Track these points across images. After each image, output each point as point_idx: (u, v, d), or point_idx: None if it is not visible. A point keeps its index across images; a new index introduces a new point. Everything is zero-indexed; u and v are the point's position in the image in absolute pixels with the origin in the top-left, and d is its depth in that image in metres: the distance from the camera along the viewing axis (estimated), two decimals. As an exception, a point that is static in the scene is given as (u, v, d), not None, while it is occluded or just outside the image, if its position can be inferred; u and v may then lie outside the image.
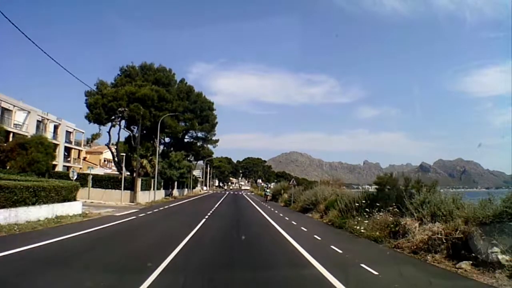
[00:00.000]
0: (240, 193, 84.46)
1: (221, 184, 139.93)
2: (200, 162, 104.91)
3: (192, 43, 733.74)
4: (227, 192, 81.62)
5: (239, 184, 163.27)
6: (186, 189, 59.58)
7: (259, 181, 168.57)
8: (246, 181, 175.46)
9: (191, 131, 54.20)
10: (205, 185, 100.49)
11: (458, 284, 7.68)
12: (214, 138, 54.86)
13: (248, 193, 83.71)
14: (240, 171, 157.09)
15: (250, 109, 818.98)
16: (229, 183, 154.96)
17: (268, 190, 51.98)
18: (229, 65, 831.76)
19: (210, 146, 57.53)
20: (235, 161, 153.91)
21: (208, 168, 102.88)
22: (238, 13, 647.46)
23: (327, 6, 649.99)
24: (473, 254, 8.48)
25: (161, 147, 52.74)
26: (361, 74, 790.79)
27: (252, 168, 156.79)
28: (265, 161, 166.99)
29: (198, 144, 55.99)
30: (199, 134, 53.76)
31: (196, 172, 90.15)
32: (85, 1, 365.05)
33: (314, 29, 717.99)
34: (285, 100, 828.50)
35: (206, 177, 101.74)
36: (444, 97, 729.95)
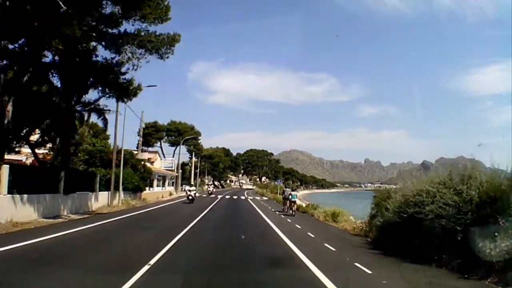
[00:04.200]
0: (243, 197, 45.34)
1: (216, 183, 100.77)
2: (185, 154, 65.83)
3: (192, 43, 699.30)
4: (219, 197, 42.37)
5: (239, 183, 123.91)
6: (93, 195, 21.05)
7: (264, 178, 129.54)
8: (248, 179, 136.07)
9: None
10: (190, 184, 61.54)
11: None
12: (164, 34, 16.15)
13: (257, 198, 44.77)
14: (241, 166, 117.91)
15: (250, 108, 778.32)
16: (227, 181, 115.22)
17: (294, 194, 24.09)
18: (230, 64, 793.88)
19: (153, 56, 17.26)
20: (234, 154, 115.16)
21: (194, 158, 63.96)
22: (239, 13, 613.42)
23: (327, 5, 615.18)
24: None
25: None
26: (361, 72, 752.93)
27: (256, 162, 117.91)
28: (272, 154, 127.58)
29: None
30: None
31: (167, 162, 51.37)
32: None
33: (314, 28, 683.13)
34: (285, 98, 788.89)
35: (190, 172, 62.96)
36: (444, 95, 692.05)
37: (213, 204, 28.14)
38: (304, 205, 29.16)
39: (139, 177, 26.91)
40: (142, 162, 28.29)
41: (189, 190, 29.70)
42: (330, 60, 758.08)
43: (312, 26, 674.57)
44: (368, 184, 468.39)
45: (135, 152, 50.07)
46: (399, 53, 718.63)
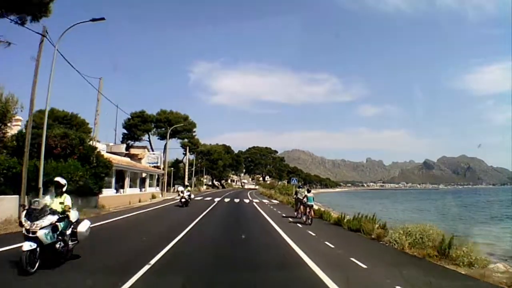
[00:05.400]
0: (246, 200, 35.26)
1: (216, 183, 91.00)
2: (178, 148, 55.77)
3: (194, 43, 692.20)
4: (214, 205, 31.04)
5: (241, 182, 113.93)
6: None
7: (268, 178, 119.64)
8: (250, 178, 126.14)
9: None
10: (182, 185, 51.66)
11: None
12: None
13: (264, 202, 34.85)
14: (243, 165, 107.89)
15: (252, 108, 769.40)
16: (228, 181, 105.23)
17: (310, 196, 16.55)
18: (231, 64, 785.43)
19: None
20: (236, 152, 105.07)
21: (188, 154, 54.21)
22: (240, 13, 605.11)
23: (328, 5, 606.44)
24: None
25: None
26: (363, 72, 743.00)
27: (259, 160, 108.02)
28: (276, 152, 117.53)
29: None
30: None
31: (151, 158, 41.55)
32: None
33: (315, 28, 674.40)
34: (287, 98, 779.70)
35: (184, 170, 53.23)
36: (445, 94, 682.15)
37: (210, 207, 18.18)
38: (340, 214, 19.36)
39: (90, 173, 17.18)
40: (96, 151, 18.41)
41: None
42: (332, 60, 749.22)
43: (313, 26, 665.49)
44: (371, 183, 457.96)
45: (112, 144, 40.51)
46: (400, 52, 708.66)
